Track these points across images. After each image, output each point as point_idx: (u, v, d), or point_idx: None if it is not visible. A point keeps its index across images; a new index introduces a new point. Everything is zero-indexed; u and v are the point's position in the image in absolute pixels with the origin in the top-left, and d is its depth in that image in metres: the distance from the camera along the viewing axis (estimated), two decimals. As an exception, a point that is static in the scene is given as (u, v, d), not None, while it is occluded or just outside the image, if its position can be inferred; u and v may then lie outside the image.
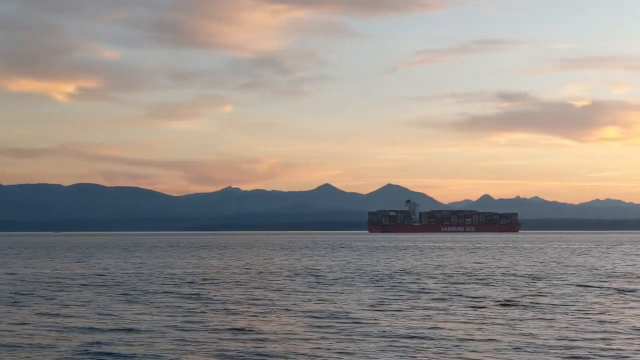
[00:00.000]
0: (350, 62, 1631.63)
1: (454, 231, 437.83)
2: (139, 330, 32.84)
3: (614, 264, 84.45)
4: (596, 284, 55.29)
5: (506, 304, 42.18)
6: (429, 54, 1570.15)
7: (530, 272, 69.38)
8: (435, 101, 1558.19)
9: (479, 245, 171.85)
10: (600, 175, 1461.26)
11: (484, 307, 40.84)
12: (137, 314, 38.81)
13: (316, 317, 37.02)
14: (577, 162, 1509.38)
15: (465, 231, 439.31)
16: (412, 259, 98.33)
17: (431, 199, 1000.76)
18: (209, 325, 34.22)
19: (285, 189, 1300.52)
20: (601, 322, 34.70)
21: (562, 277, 62.52)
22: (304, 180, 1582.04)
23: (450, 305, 41.59)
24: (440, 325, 33.96)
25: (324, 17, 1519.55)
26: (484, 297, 46.19)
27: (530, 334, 31.13)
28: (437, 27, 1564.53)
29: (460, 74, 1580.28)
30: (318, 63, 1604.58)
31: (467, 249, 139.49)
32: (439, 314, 38.03)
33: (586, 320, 35.39)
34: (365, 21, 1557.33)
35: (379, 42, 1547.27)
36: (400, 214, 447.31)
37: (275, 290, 51.46)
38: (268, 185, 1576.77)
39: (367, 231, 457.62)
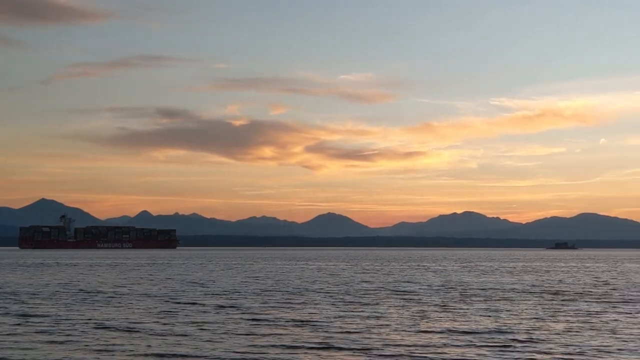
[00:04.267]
0: (3, 71, 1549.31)
1: (111, 247, 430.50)
2: None
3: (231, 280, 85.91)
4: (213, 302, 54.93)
5: (128, 329, 40.01)
6: (88, 66, 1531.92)
7: (164, 293, 67.90)
8: (93, 115, 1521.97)
9: (121, 261, 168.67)
10: (257, 194, 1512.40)
11: (106, 328, 38.67)
12: None
13: None
14: (235, 180, 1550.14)
15: (122, 247, 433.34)
16: (34, 277, 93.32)
17: (88, 215, 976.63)
18: None
19: None
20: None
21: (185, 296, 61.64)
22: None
23: (58, 328, 38.68)
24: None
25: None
26: (106, 319, 43.79)
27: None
28: (98, 39, 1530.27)
29: (120, 88, 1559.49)
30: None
31: (113, 266, 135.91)
32: (48, 340, 35.00)
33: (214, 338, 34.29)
34: (19, 30, 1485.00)
35: (34, 52, 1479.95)
36: (54, 230, 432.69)
37: None
38: None
39: (18, 247, 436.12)
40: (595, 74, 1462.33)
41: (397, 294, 65.42)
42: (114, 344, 33.91)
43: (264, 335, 37.31)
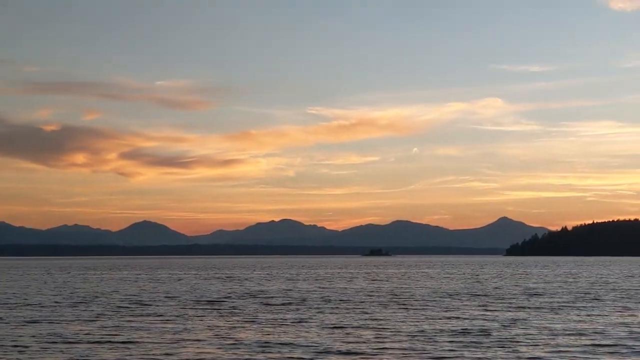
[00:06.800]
0: None
1: None
2: None
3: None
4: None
5: None
6: None
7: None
8: None
9: None
10: (69, 201, 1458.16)
11: None
12: None
13: None
14: (46, 187, 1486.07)
15: None
16: None
17: None
18: None
19: None
20: None
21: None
22: None
23: None
24: None
25: None
26: None
27: None
28: None
29: None
30: None
31: None
32: None
33: None
34: None
35: None
36: None
37: None
38: None
39: None
40: (407, 86, 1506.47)
41: (199, 304, 62.95)
42: None
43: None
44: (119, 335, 40.65)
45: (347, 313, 53.74)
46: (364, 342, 37.46)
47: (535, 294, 76.03)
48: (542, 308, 58.18)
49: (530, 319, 49.35)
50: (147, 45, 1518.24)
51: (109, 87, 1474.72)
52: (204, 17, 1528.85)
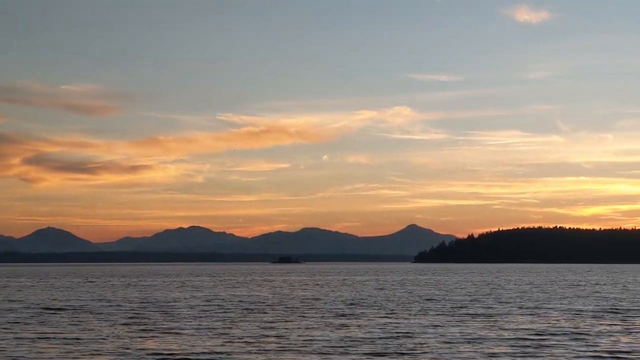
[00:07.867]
0: None
1: None
2: None
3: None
4: None
5: None
6: None
7: None
8: None
9: None
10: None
11: None
12: None
13: None
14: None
15: None
16: None
17: None
18: None
19: None
20: None
21: None
22: None
23: None
24: None
25: None
26: None
27: None
28: None
29: None
30: None
31: None
32: None
33: None
34: None
35: None
36: None
37: None
38: None
39: None
40: (317, 93, 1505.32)
41: (97, 313, 61.26)
42: None
43: None
44: (16, 346, 39.01)
45: (250, 322, 52.83)
46: (264, 352, 36.69)
47: (434, 300, 76.47)
48: (443, 315, 58.26)
49: (432, 325, 49.28)
50: (52, 49, 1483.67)
51: (13, 91, 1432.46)
52: (112, 21, 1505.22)
